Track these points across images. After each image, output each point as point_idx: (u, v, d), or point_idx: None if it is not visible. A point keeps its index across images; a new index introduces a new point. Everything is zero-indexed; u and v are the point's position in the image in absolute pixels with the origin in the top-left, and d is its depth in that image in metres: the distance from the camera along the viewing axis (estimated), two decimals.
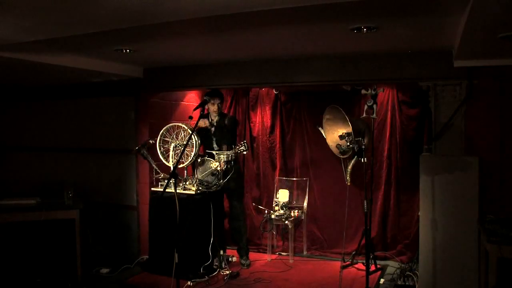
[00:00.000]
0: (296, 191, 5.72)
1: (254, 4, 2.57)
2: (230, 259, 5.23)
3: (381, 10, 2.82)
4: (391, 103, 5.20)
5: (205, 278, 4.66)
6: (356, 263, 4.56)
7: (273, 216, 5.29)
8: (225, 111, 6.06)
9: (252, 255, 5.45)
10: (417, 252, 4.32)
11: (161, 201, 4.71)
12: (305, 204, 5.56)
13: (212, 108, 5.07)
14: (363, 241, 4.27)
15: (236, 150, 4.85)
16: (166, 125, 5.09)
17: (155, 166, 5.03)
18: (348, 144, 4.18)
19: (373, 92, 4.18)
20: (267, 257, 5.39)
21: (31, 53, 3.87)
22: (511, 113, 4.00)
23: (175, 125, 5.06)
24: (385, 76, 4.38)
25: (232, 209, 5.25)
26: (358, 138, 4.12)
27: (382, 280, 4.59)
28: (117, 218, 5.51)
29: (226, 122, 5.13)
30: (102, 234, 5.51)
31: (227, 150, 4.98)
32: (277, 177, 5.83)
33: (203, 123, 5.04)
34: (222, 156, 4.92)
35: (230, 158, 4.92)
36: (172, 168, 3.96)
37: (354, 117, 4.59)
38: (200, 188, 4.91)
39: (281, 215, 5.27)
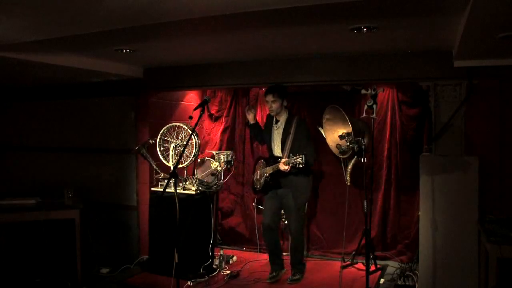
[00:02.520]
0: None
1: (254, 4, 2.56)
2: (230, 259, 5.24)
3: (381, 10, 2.82)
4: (391, 103, 5.19)
5: (205, 278, 4.66)
6: (356, 263, 4.57)
7: None
8: (225, 112, 6.06)
9: (253, 255, 5.46)
10: (417, 252, 4.32)
11: (161, 201, 4.71)
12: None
13: (269, 106, 4.54)
14: (363, 241, 4.27)
15: (291, 161, 4.20)
16: (166, 125, 5.09)
17: (155, 166, 5.03)
18: (348, 144, 4.18)
19: (373, 92, 4.17)
20: (267, 257, 5.38)
21: (31, 53, 3.87)
22: (511, 113, 4.01)
23: (175, 125, 5.06)
24: (385, 76, 4.37)
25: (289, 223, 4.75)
26: (358, 138, 4.12)
27: (382, 280, 4.59)
28: (117, 218, 5.51)
29: (292, 128, 4.46)
30: (102, 234, 5.51)
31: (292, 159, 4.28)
32: None
33: (251, 116, 4.73)
34: (222, 156, 4.92)
35: (230, 158, 4.86)
36: (172, 168, 3.96)
37: (354, 117, 4.59)
38: (200, 188, 4.91)
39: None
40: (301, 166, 4.16)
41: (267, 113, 4.74)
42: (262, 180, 4.67)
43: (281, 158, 4.46)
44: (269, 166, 4.58)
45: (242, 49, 4.20)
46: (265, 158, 4.85)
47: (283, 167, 4.31)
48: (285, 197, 4.56)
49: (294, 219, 4.58)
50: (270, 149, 4.72)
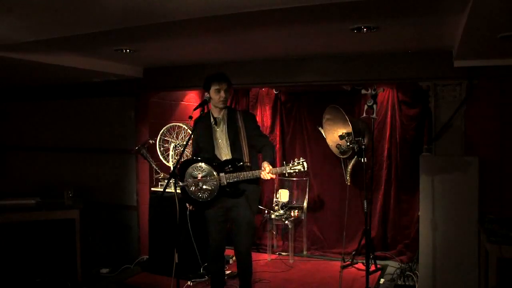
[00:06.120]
0: (296, 191, 5.73)
1: (254, 4, 2.57)
2: (230, 259, 5.23)
3: (381, 10, 2.82)
4: (391, 103, 5.20)
5: (205, 278, 4.66)
6: (356, 263, 4.56)
7: (273, 216, 5.29)
8: None
9: (252, 255, 5.43)
10: (417, 252, 4.32)
11: (161, 201, 4.71)
12: (305, 204, 5.56)
13: (217, 97, 3.59)
14: (363, 241, 4.27)
15: (289, 169, 3.37)
16: (166, 125, 5.09)
17: (155, 166, 5.03)
18: (348, 144, 4.19)
19: (373, 92, 4.18)
20: (267, 257, 5.39)
21: (31, 53, 3.87)
22: (511, 113, 4.01)
23: (175, 125, 5.06)
24: (385, 76, 4.38)
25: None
26: (358, 138, 4.13)
27: (382, 280, 4.59)
28: (117, 218, 5.51)
29: (240, 123, 3.63)
30: (102, 234, 5.51)
31: (247, 165, 3.55)
32: (277, 177, 5.83)
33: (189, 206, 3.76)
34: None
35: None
36: (172, 168, 3.95)
37: (354, 117, 4.59)
38: None
39: (281, 215, 5.27)
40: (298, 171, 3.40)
41: (197, 117, 3.71)
42: (209, 189, 3.56)
43: (239, 162, 3.54)
44: (223, 172, 3.52)
45: (242, 49, 4.20)
46: (195, 160, 3.67)
47: (269, 176, 3.41)
48: (235, 209, 3.63)
49: (245, 235, 3.66)
50: (209, 152, 3.67)
